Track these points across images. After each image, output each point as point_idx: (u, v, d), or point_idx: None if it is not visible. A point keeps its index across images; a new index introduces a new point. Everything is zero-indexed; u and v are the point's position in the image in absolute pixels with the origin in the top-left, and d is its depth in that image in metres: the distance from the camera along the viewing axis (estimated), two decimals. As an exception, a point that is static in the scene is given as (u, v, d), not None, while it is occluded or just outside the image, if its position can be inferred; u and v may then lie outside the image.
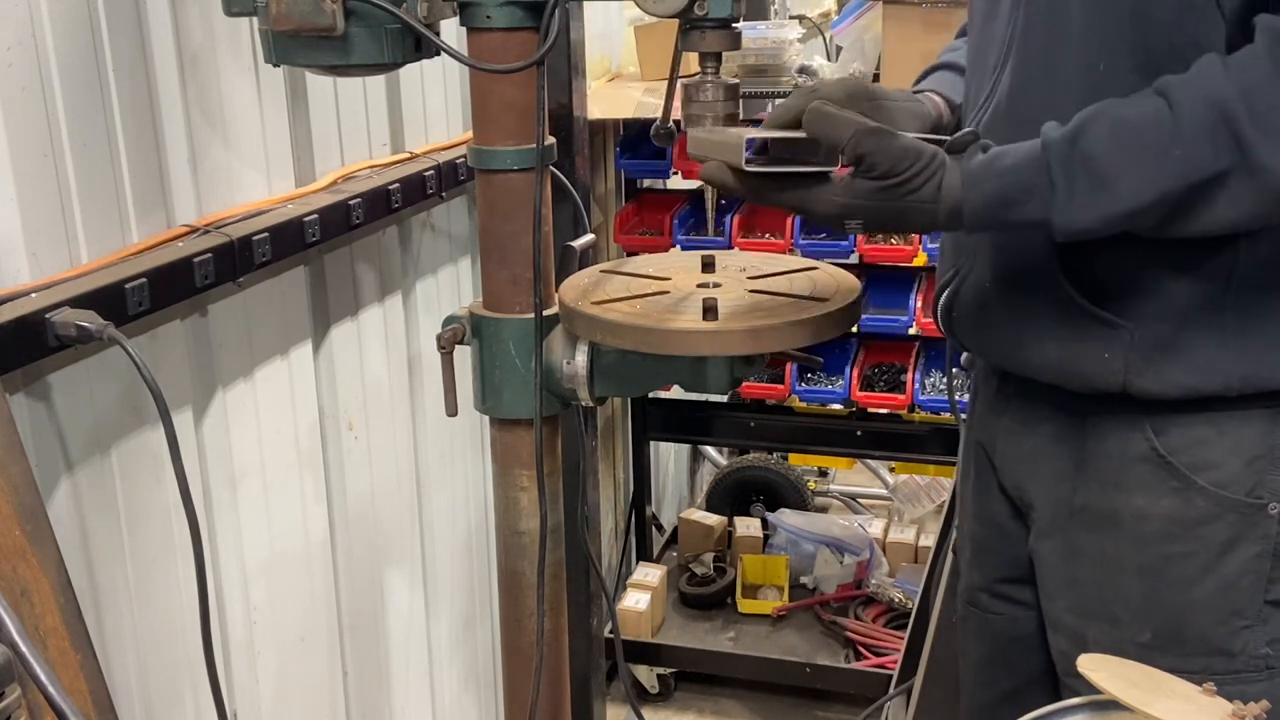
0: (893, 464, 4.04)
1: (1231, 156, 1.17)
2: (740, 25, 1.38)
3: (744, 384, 2.81)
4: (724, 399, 3.47)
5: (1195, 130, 1.18)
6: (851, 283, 1.51)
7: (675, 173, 3.09)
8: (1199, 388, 1.33)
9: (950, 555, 2.29)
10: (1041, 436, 1.48)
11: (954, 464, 2.53)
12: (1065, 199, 1.22)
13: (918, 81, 1.64)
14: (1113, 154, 1.21)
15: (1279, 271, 1.30)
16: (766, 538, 3.65)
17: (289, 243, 1.81)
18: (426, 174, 2.19)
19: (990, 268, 1.45)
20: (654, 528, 3.74)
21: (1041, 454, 1.48)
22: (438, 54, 1.44)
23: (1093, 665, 1.08)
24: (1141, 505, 1.39)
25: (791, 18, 3.80)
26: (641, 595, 3.27)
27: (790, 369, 3.03)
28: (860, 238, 2.87)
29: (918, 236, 2.84)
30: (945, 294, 1.53)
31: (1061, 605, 1.49)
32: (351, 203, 1.95)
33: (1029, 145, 1.25)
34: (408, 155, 2.22)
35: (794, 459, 4.08)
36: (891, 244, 2.89)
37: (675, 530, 3.76)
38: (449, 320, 1.57)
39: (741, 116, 1.40)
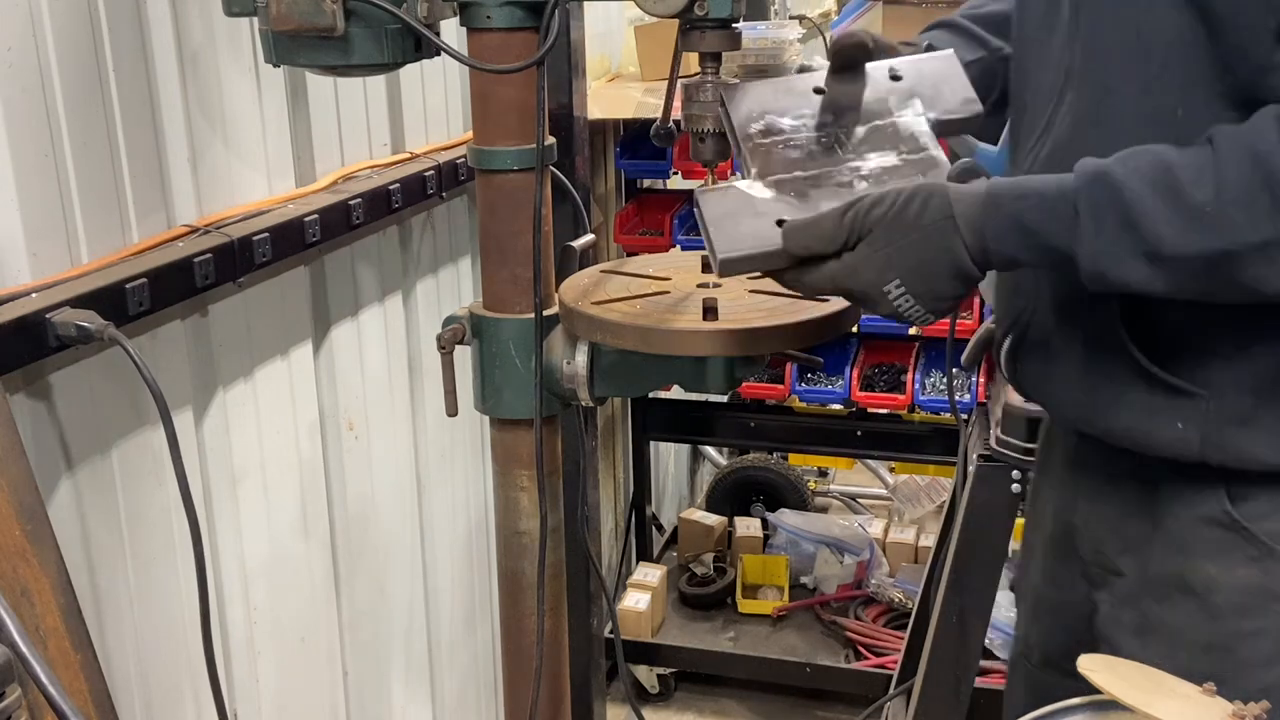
0: (893, 464, 4.05)
1: (1272, 226, 1.06)
2: (740, 25, 1.38)
3: (744, 384, 2.82)
4: (724, 399, 3.47)
5: (1236, 190, 1.07)
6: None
7: (675, 173, 3.08)
8: None
9: (950, 555, 2.29)
10: (1124, 501, 1.37)
11: (954, 464, 2.53)
12: (1091, 231, 1.11)
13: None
14: (1147, 195, 1.10)
15: None
16: (766, 538, 3.65)
17: (289, 243, 1.81)
18: (426, 174, 2.19)
19: (1054, 320, 1.34)
20: (654, 528, 3.74)
21: (1122, 520, 1.37)
22: (438, 54, 1.44)
23: (1093, 665, 1.07)
24: (1213, 574, 1.26)
25: (791, 18, 3.80)
26: (641, 595, 3.27)
27: (790, 369, 3.02)
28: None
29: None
30: (1008, 341, 1.42)
31: None
32: (351, 203, 1.95)
33: (1062, 175, 1.15)
34: (408, 155, 2.22)
35: (794, 459, 4.09)
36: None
37: (675, 530, 3.76)
38: (449, 320, 1.57)
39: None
